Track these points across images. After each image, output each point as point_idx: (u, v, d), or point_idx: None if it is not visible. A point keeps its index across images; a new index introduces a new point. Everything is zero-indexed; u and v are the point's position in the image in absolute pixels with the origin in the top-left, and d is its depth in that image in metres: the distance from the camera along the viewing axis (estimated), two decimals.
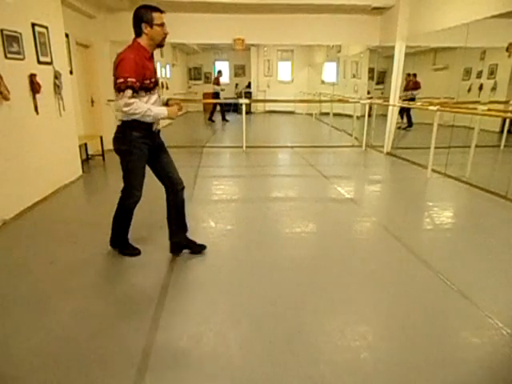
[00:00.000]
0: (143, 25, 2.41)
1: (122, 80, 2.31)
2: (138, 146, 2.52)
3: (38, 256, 2.90)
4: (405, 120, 9.70)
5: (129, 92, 2.31)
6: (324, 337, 1.99)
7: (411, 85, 9.57)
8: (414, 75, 9.53)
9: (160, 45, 2.54)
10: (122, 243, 2.91)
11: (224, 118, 12.40)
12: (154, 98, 2.53)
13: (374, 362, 1.81)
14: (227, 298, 2.37)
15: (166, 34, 2.50)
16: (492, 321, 2.11)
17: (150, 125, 2.54)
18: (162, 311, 2.19)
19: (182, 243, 2.91)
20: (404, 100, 8.91)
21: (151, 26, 2.42)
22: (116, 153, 2.61)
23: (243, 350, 1.90)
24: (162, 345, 1.91)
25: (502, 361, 1.86)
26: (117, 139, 2.56)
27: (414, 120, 9.69)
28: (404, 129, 9.46)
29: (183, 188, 2.82)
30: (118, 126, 2.53)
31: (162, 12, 2.47)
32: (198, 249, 2.94)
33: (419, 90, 9.39)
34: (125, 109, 2.35)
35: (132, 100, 2.34)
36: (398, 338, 2.00)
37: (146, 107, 2.41)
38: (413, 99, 9.08)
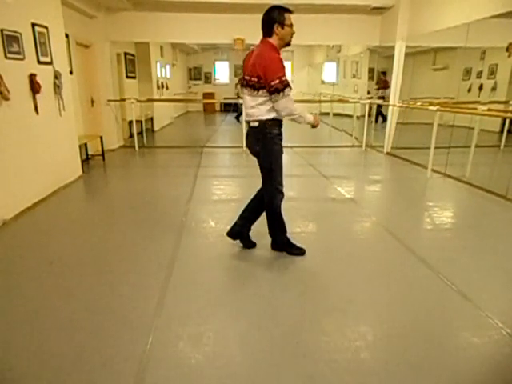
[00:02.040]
0: (276, 25, 2.47)
1: (277, 81, 2.37)
2: (279, 143, 2.65)
3: (38, 256, 2.89)
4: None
5: (288, 90, 2.40)
6: (324, 336, 1.99)
7: (382, 84, 9.63)
8: (384, 73, 9.56)
9: (287, 44, 2.57)
10: (286, 245, 2.92)
11: (238, 118, 12.21)
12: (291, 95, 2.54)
13: (374, 361, 1.81)
14: (227, 298, 2.37)
15: (293, 34, 2.55)
16: (492, 321, 2.11)
17: (281, 122, 2.64)
18: (162, 311, 2.19)
19: (244, 233, 2.98)
20: (379, 98, 9.00)
21: (283, 27, 2.47)
22: (255, 155, 2.71)
23: (243, 349, 1.90)
24: (162, 345, 1.91)
25: (502, 361, 1.85)
26: (256, 140, 2.63)
27: (413, 120, 9.68)
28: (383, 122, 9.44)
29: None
30: (255, 127, 2.58)
31: (291, 12, 2.51)
32: (249, 244, 3.01)
33: (389, 89, 9.41)
34: (285, 108, 2.45)
35: (290, 97, 2.43)
36: (398, 337, 2.00)
37: (297, 107, 2.51)
38: (383, 97, 9.09)
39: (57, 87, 4.55)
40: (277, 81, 2.37)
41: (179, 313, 2.19)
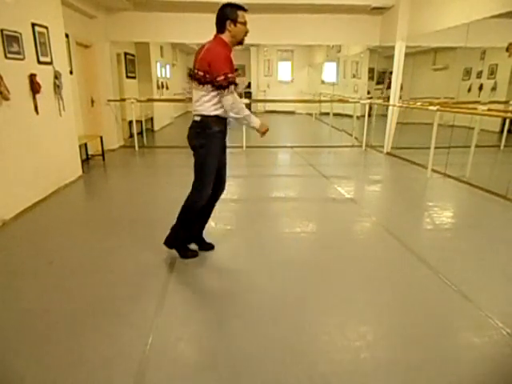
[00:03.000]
0: (228, 22, 2.45)
1: (222, 77, 2.35)
2: (215, 141, 2.55)
3: (38, 256, 2.90)
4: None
5: (232, 88, 2.39)
6: (324, 336, 1.99)
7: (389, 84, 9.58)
8: (391, 73, 9.54)
9: (240, 42, 2.56)
10: (180, 245, 2.84)
11: None
12: (236, 94, 2.48)
13: (374, 361, 1.81)
14: (227, 298, 2.37)
15: (247, 32, 2.54)
16: (492, 321, 2.11)
17: (226, 120, 2.58)
18: (162, 311, 2.19)
19: (194, 237, 2.93)
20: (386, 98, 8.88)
21: (235, 24, 2.46)
22: (192, 149, 2.62)
23: (243, 349, 1.90)
24: (162, 345, 1.91)
25: (502, 361, 1.86)
26: (196, 134, 2.56)
27: (413, 120, 9.69)
28: None
29: (223, 189, 2.87)
30: (197, 122, 2.53)
31: (245, 10, 2.50)
32: (206, 246, 2.96)
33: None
34: (232, 105, 2.42)
35: (235, 96, 2.41)
36: (397, 337, 2.00)
37: (245, 108, 2.49)
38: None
39: (57, 87, 4.55)
40: (222, 77, 2.35)
41: (179, 313, 2.19)
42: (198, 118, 2.52)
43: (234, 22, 2.45)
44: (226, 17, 2.45)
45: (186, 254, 2.84)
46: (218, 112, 2.48)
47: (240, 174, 5.77)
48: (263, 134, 2.63)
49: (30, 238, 3.27)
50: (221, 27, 2.48)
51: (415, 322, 2.13)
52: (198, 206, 2.68)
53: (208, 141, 2.53)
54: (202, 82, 2.43)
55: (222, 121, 2.54)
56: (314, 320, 2.14)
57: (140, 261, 2.83)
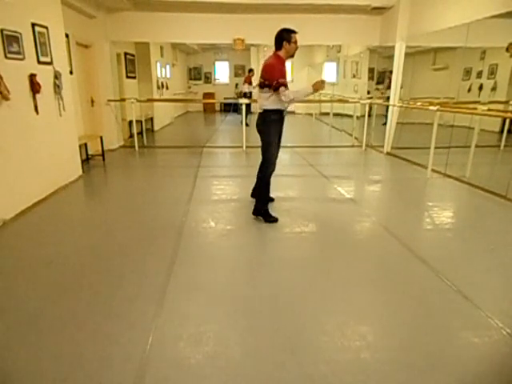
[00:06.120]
0: (284, 42, 3.39)
1: (275, 82, 3.29)
2: (273, 126, 3.53)
3: (38, 256, 2.89)
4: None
5: (283, 88, 3.29)
6: (324, 336, 1.99)
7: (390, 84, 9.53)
8: (391, 72, 9.50)
9: (292, 55, 3.48)
10: (264, 213, 3.66)
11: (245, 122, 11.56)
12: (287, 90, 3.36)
13: (374, 361, 1.81)
14: (227, 298, 2.37)
15: (297, 48, 3.46)
16: (492, 321, 2.11)
17: (281, 111, 3.51)
18: (162, 311, 2.19)
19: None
20: (387, 98, 8.82)
21: (289, 43, 3.39)
22: (258, 132, 3.60)
23: (243, 349, 1.90)
24: (162, 345, 1.91)
25: (502, 361, 1.86)
26: (261, 121, 3.56)
27: (413, 120, 9.69)
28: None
29: (277, 157, 3.77)
30: (261, 113, 3.53)
31: (296, 33, 3.41)
32: (256, 213, 3.72)
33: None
34: (286, 98, 3.30)
35: (286, 92, 3.30)
36: (398, 337, 2.00)
37: (294, 92, 3.35)
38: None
39: (57, 87, 4.55)
40: (275, 82, 3.29)
41: (179, 313, 2.19)
42: (261, 111, 3.51)
43: (289, 42, 3.38)
44: (283, 38, 3.38)
45: (269, 219, 3.63)
46: (274, 106, 3.43)
47: (240, 174, 5.77)
48: (321, 87, 3.38)
49: (29, 238, 3.27)
50: (279, 45, 3.42)
51: (415, 322, 2.13)
52: (270, 171, 3.67)
53: (268, 126, 3.52)
54: (263, 86, 3.41)
55: (277, 112, 3.47)
56: (314, 320, 2.14)
57: (140, 260, 2.83)
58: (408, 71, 7.90)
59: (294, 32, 3.42)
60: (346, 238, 3.33)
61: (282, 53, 3.42)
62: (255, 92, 11.55)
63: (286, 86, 3.29)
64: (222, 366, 1.78)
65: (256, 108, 3.80)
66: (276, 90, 3.28)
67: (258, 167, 3.71)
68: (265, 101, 3.43)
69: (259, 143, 3.64)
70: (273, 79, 3.29)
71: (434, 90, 8.86)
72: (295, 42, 3.42)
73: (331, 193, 4.68)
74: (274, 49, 3.45)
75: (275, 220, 3.63)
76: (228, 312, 2.22)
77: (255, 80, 14.19)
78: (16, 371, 1.75)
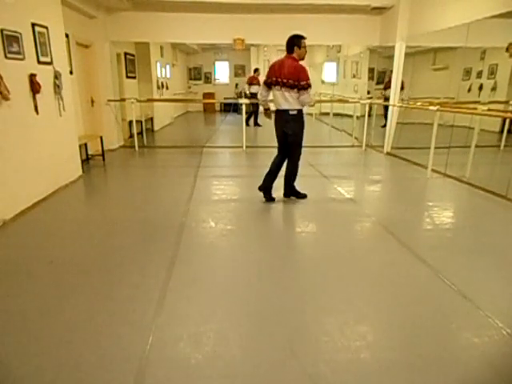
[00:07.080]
0: (295, 47, 3.73)
1: (304, 82, 3.65)
2: (303, 124, 3.91)
3: (38, 256, 2.90)
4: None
5: (310, 90, 3.71)
6: (324, 336, 1.99)
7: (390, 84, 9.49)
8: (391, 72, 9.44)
9: (302, 59, 3.80)
10: (295, 192, 4.27)
11: (247, 122, 10.50)
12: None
13: (374, 361, 1.81)
14: (227, 298, 2.37)
15: (306, 53, 3.82)
16: (492, 321, 2.11)
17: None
18: (162, 311, 2.19)
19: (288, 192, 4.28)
20: (387, 98, 8.79)
21: (300, 48, 3.75)
22: (285, 131, 3.85)
23: (243, 349, 1.90)
24: (162, 345, 1.91)
25: (503, 360, 1.86)
26: (293, 121, 3.83)
27: (413, 120, 9.69)
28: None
29: None
30: (294, 115, 3.80)
31: (305, 38, 3.77)
32: (301, 195, 4.29)
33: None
34: (308, 99, 3.73)
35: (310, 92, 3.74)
36: (398, 337, 2.00)
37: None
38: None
39: (57, 87, 4.55)
40: (304, 82, 3.64)
41: (179, 313, 2.19)
42: (294, 112, 3.78)
43: (299, 47, 3.73)
44: (294, 44, 3.73)
45: (301, 195, 4.27)
46: (300, 106, 3.80)
47: (240, 174, 5.77)
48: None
49: (29, 238, 3.27)
50: (291, 49, 3.76)
51: (415, 322, 2.13)
52: (299, 162, 4.10)
53: (301, 124, 3.87)
54: (292, 87, 3.67)
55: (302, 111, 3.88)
56: (314, 319, 2.14)
57: (140, 260, 2.83)
58: (408, 71, 7.90)
59: (303, 38, 3.75)
60: (345, 238, 3.33)
61: (295, 56, 3.76)
62: (260, 92, 11.33)
63: (310, 86, 3.69)
64: (222, 366, 1.78)
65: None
66: (304, 89, 3.63)
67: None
68: (294, 101, 3.72)
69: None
70: (303, 80, 3.61)
71: (434, 90, 8.86)
72: (305, 47, 3.76)
73: (331, 193, 4.68)
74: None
75: (304, 196, 4.27)
76: (228, 312, 2.22)
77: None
78: (15, 371, 1.75)
